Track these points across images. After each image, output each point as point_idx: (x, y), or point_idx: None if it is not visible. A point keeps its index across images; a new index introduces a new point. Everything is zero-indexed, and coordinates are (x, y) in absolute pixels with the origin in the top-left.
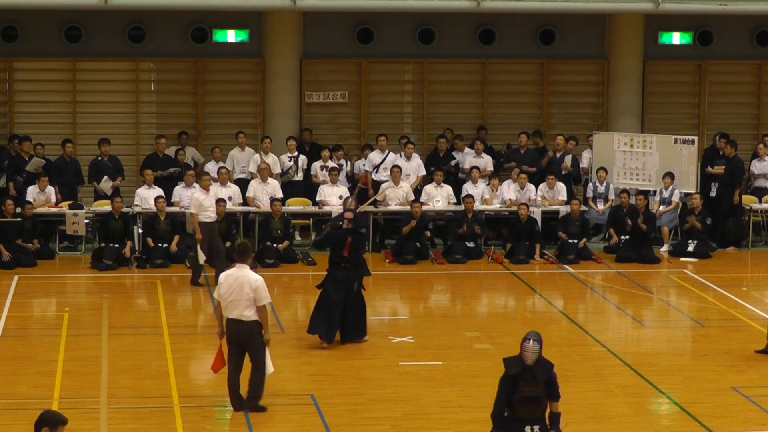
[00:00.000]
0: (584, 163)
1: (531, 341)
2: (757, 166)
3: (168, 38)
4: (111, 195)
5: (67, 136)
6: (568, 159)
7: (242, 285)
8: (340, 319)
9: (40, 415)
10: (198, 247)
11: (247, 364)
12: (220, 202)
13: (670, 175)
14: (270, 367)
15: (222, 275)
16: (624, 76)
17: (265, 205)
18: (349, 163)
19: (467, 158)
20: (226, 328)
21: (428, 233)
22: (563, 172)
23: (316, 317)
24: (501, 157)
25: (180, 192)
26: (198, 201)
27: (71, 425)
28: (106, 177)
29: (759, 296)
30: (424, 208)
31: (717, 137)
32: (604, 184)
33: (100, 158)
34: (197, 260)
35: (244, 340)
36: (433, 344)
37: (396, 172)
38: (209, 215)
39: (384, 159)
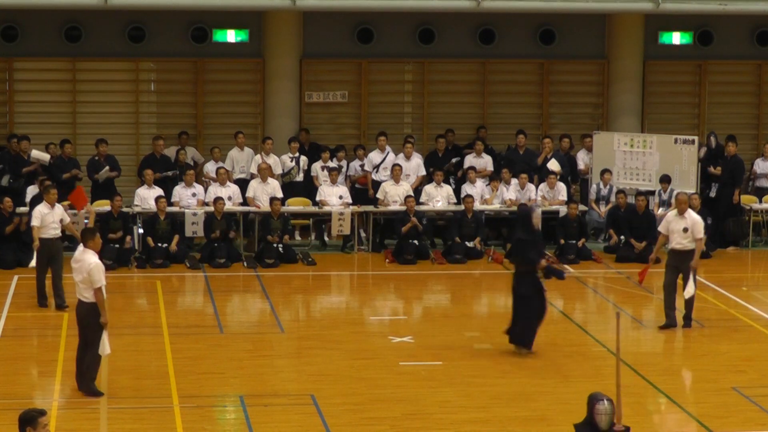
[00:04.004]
0: (580, 164)
1: (605, 401)
2: (760, 166)
3: (168, 38)
4: (111, 194)
5: (66, 136)
6: (552, 163)
7: (81, 268)
8: None
9: (18, 419)
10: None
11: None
12: (218, 200)
13: (666, 180)
14: (107, 348)
15: (73, 259)
16: (624, 76)
17: (265, 205)
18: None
19: (467, 158)
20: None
21: (420, 226)
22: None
23: None
24: (501, 159)
25: (180, 192)
26: (40, 215)
27: (71, 425)
28: (107, 167)
29: (759, 296)
30: (424, 208)
31: (710, 137)
32: (608, 186)
33: (97, 158)
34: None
35: (82, 320)
36: (433, 344)
37: (397, 170)
38: (51, 232)
39: (384, 159)
